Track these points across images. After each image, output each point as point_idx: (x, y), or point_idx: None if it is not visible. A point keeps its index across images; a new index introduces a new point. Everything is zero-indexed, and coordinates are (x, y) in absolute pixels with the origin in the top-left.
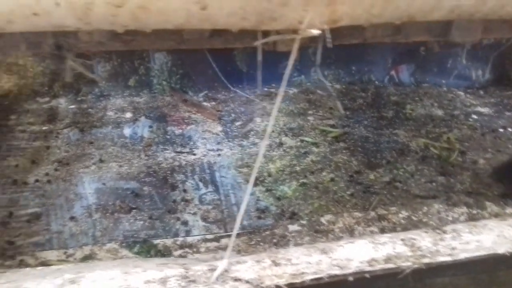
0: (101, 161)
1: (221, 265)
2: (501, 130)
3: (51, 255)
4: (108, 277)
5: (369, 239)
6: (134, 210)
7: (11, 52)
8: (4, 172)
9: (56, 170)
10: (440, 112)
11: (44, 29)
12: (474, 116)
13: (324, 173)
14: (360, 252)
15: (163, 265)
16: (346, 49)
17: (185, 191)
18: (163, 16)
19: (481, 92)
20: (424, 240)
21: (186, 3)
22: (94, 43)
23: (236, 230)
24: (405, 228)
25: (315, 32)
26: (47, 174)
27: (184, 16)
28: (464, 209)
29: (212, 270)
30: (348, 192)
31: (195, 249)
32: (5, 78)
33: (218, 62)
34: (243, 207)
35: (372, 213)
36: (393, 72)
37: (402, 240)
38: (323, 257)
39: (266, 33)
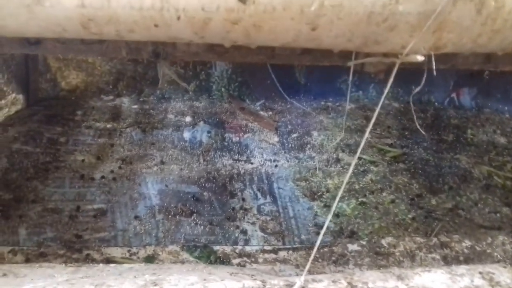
0: (162, 162)
1: (299, 281)
2: None
3: (115, 252)
4: (189, 283)
5: (446, 269)
6: (195, 214)
7: (112, 56)
8: (72, 166)
9: (120, 168)
10: (503, 140)
11: (159, 39)
12: None
13: (384, 194)
14: (437, 282)
15: (236, 275)
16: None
17: (243, 199)
18: (273, 34)
19: None
20: (502, 275)
21: (298, 23)
22: (191, 53)
23: (316, 247)
24: (468, 258)
25: (419, 58)
26: (112, 172)
27: (293, 35)
28: None
29: (289, 286)
30: (410, 216)
31: (253, 259)
32: (73, 74)
33: (277, 72)
34: (326, 222)
35: (434, 240)
36: (453, 95)
37: (480, 273)
38: (400, 284)
39: (357, 53)
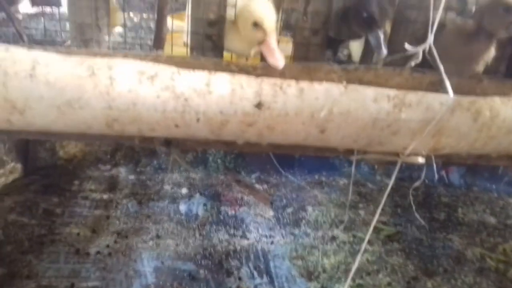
0: (158, 237)
1: None
2: None
3: None
4: None
5: None
6: None
7: (125, 143)
8: (67, 240)
9: (115, 242)
10: (493, 220)
11: (177, 136)
12: None
13: (380, 276)
14: None
15: None
16: None
17: (240, 278)
18: (285, 135)
19: None
20: None
21: (308, 126)
22: (201, 143)
23: None
24: None
25: (420, 160)
26: (107, 246)
27: (303, 136)
28: None
29: None
30: None
31: None
32: (72, 143)
33: None
34: None
35: None
36: (443, 173)
37: None
38: None
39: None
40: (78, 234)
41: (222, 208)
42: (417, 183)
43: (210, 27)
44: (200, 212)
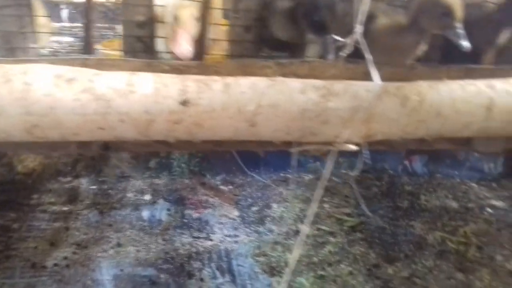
0: (119, 245)
1: None
2: None
3: None
4: None
5: None
6: None
7: (62, 152)
8: (23, 255)
9: (74, 253)
10: (454, 205)
11: (104, 139)
12: (489, 210)
13: (342, 266)
14: None
15: None
16: None
17: (202, 280)
18: (214, 131)
19: (494, 185)
20: None
21: (236, 121)
22: (141, 145)
23: None
24: None
25: (352, 147)
26: (65, 258)
27: (233, 131)
28: None
29: None
30: (367, 287)
31: None
32: (31, 157)
33: None
34: None
35: None
36: (406, 162)
37: None
38: None
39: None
40: (36, 247)
41: (186, 212)
42: (356, 171)
43: (140, 29)
44: (164, 217)
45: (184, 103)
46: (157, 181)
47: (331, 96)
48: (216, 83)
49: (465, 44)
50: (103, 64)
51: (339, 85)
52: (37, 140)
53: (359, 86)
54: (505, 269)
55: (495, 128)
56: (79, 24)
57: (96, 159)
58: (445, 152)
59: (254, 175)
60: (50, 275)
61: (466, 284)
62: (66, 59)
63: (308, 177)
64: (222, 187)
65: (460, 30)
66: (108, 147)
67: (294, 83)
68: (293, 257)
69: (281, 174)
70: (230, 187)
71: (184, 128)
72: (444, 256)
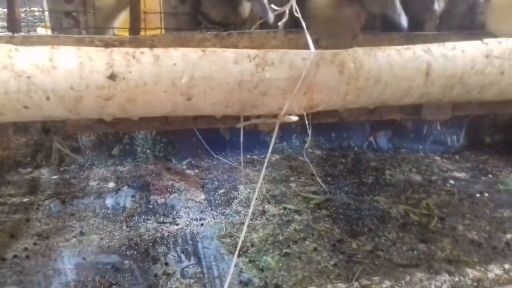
0: (81, 233)
1: None
2: (478, 195)
3: None
4: None
5: None
6: (114, 286)
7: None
8: None
9: (35, 244)
10: (418, 178)
11: (32, 119)
12: (451, 181)
13: (307, 242)
14: None
15: None
16: None
17: (166, 264)
18: (149, 107)
19: (457, 157)
20: None
21: (172, 95)
22: (82, 126)
23: None
24: None
25: (293, 118)
26: (25, 249)
27: (170, 106)
28: (446, 277)
29: None
30: (332, 262)
31: None
32: None
33: (202, 130)
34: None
35: (356, 284)
36: (371, 138)
37: None
38: None
39: (247, 117)
40: None
41: (152, 197)
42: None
43: (68, 4)
44: (128, 204)
45: (112, 77)
46: (121, 168)
47: (266, 66)
48: (145, 55)
49: (404, 24)
50: (30, 42)
51: (273, 54)
52: None
53: (294, 54)
54: (466, 238)
55: (436, 94)
56: None
57: (56, 148)
58: (409, 126)
59: (221, 158)
60: (10, 267)
61: (428, 254)
62: None
63: (274, 157)
64: (188, 171)
65: (400, 10)
66: (48, 130)
67: (227, 53)
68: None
69: (248, 156)
70: (196, 171)
71: (117, 105)
72: (407, 228)
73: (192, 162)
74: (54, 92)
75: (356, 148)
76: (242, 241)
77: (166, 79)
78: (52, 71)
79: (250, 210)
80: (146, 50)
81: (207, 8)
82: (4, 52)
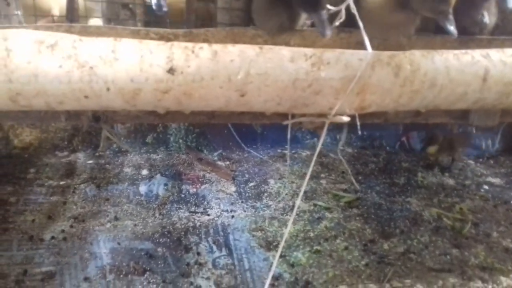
0: (116, 219)
1: None
2: None
3: None
4: None
5: None
6: (147, 272)
7: (51, 123)
8: (20, 227)
9: (71, 227)
10: (451, 182)
11: (90, 108)
12: (486, 187)
13: (338, 241)
14: None
15: None
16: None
17: (198, 253)
18: (204, 101)
19: (491, 162)
20: None
21: (227, 90)
22: (132, 116)
23: None
24: None
25: (345, 119)
26: (63, 231)
27: (224, 101)
28: (480, 284)
29: None
30: (363, 262)
31: None
32: (27, 131)
33: (234, 122)
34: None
35: (387, 285)
36: (404, 139)
37: None
38: None
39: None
40: (33, 221)
41: (184, 187)
42: (341, 143)
43: None
44: (161, 192)
45: (171, 71)
46: (154, 156)
47: (322, 65)
48: (203, 50)
49: (454, 31)
50: (88, 32)
51: (330, 54)
52: (23, 109)
53: (351, 54)
54: (501, 246)
55: (491, 100)
56: None
57: (93, 133)
58: (442, 129)
59: (251, 151)
60: (47, 248)
61: (461, 260)
62: (50, 25)
63: (305, 153)
64: (219, 162)
65: (451, 17)
66: (98, 119)
67: (283, 51)
68: (286, 232)
69: (278, 150)
70: (227, 162)
71: (173, 98)
72: (439, 232)
73: (223, 153)
74: (114, 84)
75: (388, 148)
76: (273, 236)
77: (222, 75)
78: (114, 62)
79: (295, 210)
80: (205, 45)
81: (259, 22)
82: (68, 42)
